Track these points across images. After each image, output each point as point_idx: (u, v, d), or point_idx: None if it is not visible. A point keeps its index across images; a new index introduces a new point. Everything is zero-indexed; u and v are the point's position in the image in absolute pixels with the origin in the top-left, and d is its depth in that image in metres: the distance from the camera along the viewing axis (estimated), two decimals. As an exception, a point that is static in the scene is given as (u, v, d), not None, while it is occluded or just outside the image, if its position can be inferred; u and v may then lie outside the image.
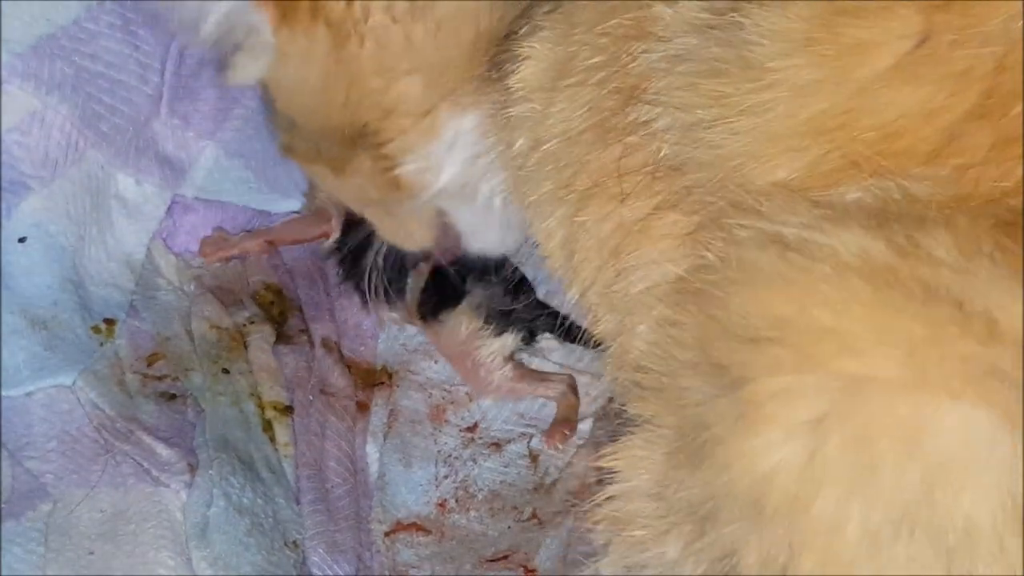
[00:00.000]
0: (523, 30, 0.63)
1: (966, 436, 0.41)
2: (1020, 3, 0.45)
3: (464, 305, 0.86)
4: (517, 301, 0.86)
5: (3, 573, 0.71)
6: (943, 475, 0.42)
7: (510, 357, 0.86)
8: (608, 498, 0.54)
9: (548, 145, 0.62)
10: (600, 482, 0.54)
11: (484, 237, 0.81)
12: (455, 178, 0.74)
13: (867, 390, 0.43)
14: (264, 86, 0.75)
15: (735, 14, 0.50)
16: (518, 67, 0.63)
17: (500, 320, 0.86)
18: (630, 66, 0.56)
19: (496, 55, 0.66)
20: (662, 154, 0.55)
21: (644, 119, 0.55)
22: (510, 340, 0.86)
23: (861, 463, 0.43)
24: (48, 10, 0.81)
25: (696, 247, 0.52)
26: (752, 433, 0.44)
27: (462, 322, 0.85)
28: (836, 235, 0.45)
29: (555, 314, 0.87)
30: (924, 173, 0.47)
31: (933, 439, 0.42)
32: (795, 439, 0.44)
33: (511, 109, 0.64)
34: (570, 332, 0.87)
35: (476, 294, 0.86)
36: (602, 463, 0.54)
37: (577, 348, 0.87)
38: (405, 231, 0.82)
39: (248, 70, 0.71)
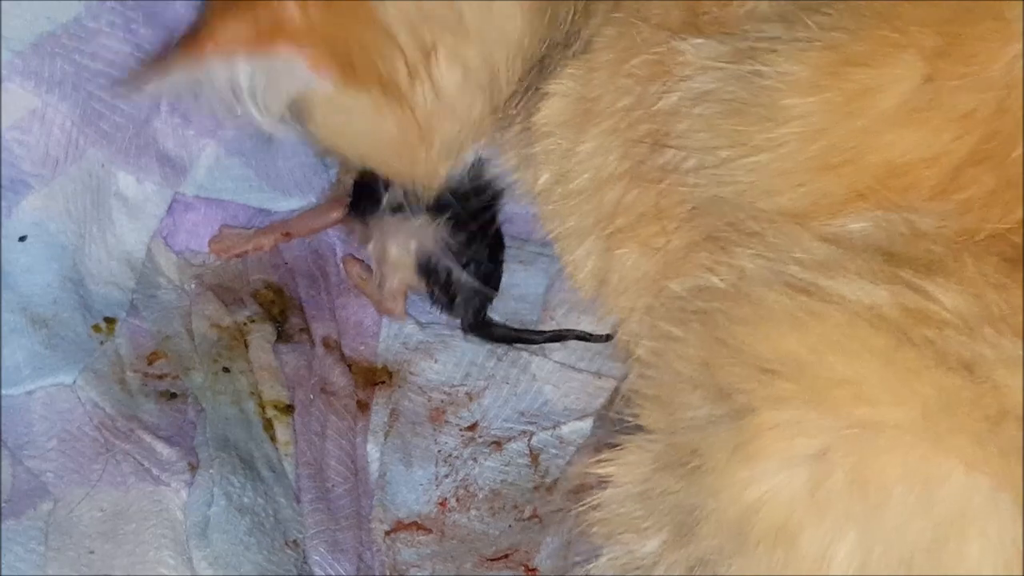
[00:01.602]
0: (549, 69, 0.65)
1: (973, 493, 0.43)
2: (1019, 47, 0.46)
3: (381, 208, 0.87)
4: (464, 271, 0.86)
5: (3, 572, 0.71)
6: (954, 530, 0.43)
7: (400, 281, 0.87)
8: (601, 502, 0.54)
9: (575, 183, 0.64)
10: (597, 485, 0.55)
11: None
12: None
13: (877, 430, 0.44)
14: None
15: (752, 60, 0.52)
16: (542, 104, 0.65)
17: (429, 267, 0.86)
18: (654, 108, 0.57)
19: (515, 95, 0.67)
20: (694, 194, 0.56)
21: (673, 164, 0.57)
22: (412, 277, 0.87)
23: (868, 502, 0.44)
24: (48, 8, 0.81)
25: (697, 268, 0.53)
26: (745, 465, 0.45)
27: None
28: (843, 282, 0.46)
29: (479, 314, 0.87)
30: (930, 208, 0.47)
31: (943, 493, 0.43)
32: (790, 470, 0.45)
33: (535, 146, 0.65)
34: (480, 329, 0.87)
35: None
36: (597, 469, 0.54)
37: (578, 348, 0.86)
38: None
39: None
